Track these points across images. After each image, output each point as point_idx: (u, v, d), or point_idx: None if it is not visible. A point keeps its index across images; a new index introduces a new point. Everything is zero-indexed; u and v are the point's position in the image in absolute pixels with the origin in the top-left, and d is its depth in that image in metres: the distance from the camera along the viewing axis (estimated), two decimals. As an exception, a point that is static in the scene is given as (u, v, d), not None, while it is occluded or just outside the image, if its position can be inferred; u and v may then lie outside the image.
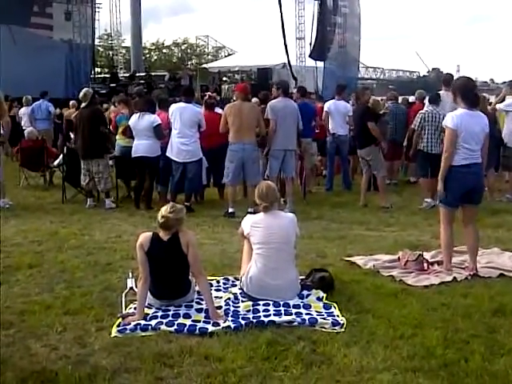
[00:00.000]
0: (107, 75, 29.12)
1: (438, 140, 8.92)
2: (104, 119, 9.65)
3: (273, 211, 5.16)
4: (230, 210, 8.54)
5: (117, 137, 9.79)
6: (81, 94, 9.51)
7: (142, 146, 9.02)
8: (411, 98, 13.07)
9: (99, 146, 9.20)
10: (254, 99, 11.00)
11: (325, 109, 11.01)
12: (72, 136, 10.52)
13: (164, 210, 4.75)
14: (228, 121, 8.57)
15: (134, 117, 9.16)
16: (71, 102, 15.18)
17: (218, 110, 10.08)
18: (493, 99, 10.77)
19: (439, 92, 9.57)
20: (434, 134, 9.02)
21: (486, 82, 53.31)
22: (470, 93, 5.70)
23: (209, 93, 14.18)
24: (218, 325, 4.43)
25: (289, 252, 5.10)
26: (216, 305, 4.75)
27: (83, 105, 9.52)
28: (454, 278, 5.61)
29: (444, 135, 6.10)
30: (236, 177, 8.74)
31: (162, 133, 9.01)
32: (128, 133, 9.33)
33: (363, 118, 9.22)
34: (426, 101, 9.91)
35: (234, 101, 9.56)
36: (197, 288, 4.92)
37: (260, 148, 8.97)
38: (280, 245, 5.00)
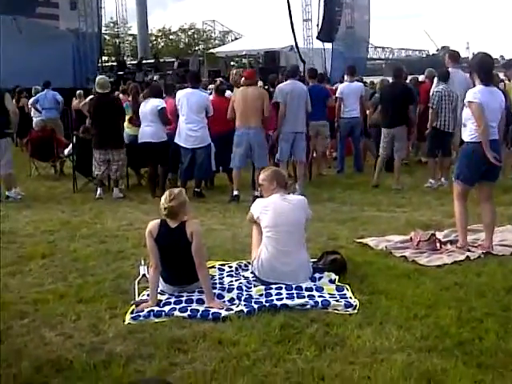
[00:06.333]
0: (114, 63, 29.02)
1: (452, 118, 8.92)
2: (124, 110, 9.56)
3: (283, 194, 5.15)
4: (235, 193, 8.52)
5: (125, 125, 9.71)
6: (100, 82, 9.30)
7: (146, 132, 8.99)
8: (421, 77, 12.92)
9: (121, 137, 9.31)
10: (260, 82, 10.93)
11: (338, 93, 10.91)
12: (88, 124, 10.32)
13: (164, 200, 4.69)
14: (234, 106, 8.54)
15: (142, 104, 9.15)
16: (78, 92, 15.11)
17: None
18: (501, 76, 10.63)
19: (448, 69, 9.50)
20: (450, 112, 8.98)
21: (496, 59, 52.75)
22: (486, 69, 5.64)
23: (220, 78, 13.97)
24: (231, 310, 4.43)
25: (299, 234, 5.08)
26: (229, 289, 4.76)
27: (100, 92, 9.23)
28: (467, 256, 5.58)
29: (458, 113, 6.04)
30: (241, 161, 8.71)
31: (166, 116, 8.92)
32: (135, 121, 9.30)
33: (404, 99, 9.29)
34: (435, 79, 9.84)
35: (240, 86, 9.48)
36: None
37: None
38: (289, 227, 4.98)
